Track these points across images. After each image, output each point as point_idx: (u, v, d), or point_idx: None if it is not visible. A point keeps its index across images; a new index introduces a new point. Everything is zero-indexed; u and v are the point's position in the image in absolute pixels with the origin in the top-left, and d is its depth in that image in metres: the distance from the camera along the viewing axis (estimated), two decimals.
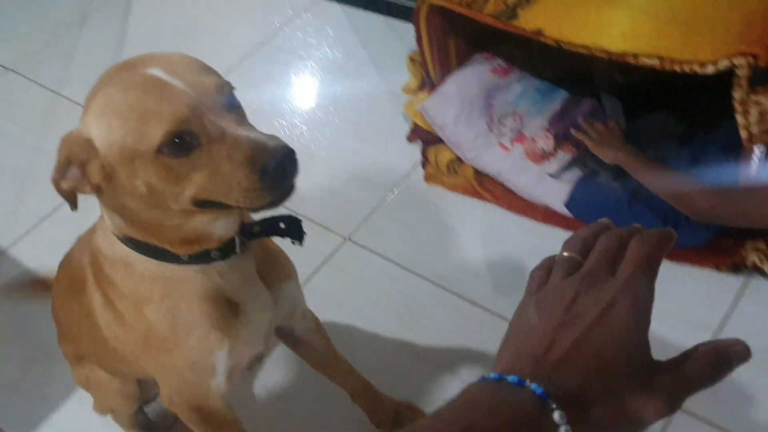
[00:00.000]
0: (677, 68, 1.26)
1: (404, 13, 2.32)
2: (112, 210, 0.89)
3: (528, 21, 1.41)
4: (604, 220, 0.61)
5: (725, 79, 1.24)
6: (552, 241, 1.58)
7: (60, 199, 0.86)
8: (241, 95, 0.86)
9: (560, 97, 1.77)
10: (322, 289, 1.62)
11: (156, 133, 0.76)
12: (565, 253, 0.56)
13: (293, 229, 0.98)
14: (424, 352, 1.50)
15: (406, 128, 1.90)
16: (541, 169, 1.65)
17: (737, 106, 1.22)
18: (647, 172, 1.43)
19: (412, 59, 1.88)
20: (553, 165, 1.65)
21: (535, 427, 0.44)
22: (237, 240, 0.94)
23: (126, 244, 0.91)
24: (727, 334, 1.42)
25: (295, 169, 0.80)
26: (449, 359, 1.48)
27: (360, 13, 2.40)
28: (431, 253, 1.67)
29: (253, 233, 0.97)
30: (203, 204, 0.83)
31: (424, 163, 1.84)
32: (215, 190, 0.80)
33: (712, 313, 1.46)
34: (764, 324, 1.42)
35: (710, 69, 1.22)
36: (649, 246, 0.53)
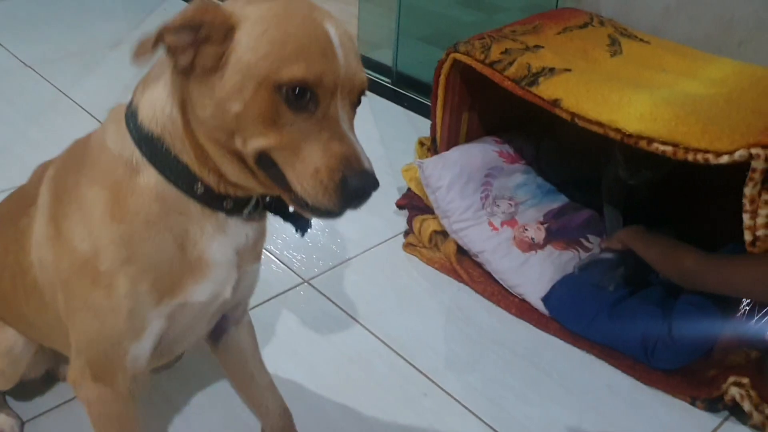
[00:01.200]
0: (690, 157, 1.20)
1: (424, 110, 2.35)
2: (174, 96, 0.77)
3: (548, 90, 1.37)
4: None
5: (733, 180, 1.18)
6: (517, 333, 1.48)
7: None
8: None
9: (560, 200, 1.71)
10: (262, 320, 1.48)
11: (291, 71, 0.70)
12: None
13: (301, 218, 0.89)
14: (356, 408, 1.31)
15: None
16: (526, 259, 1.55)
17: (746, 204, 1.15)
18: (649, 244, 1.39)
19: (421, 143, 1.85)
20: (539, 257, 1.55)
21: None
22: (253, 201, 0.85)
23: (141, 147, 0.80)
24: None
25: (364, 202, 0.74)
26: (381, 421, 1.29)
27: (382, 101, 2.43)
28: (390, 316, 1.53)
29: (266, 202, 0.89)
30: (264, 163, 0.75)
31: (407, 231, 1.75)
32: (290, 159, 0.73)
33: None
34: None
35: (725, 159, 1.16)
36: None
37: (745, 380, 1.27)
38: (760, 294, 1.23)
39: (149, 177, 0.80)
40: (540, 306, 1.51)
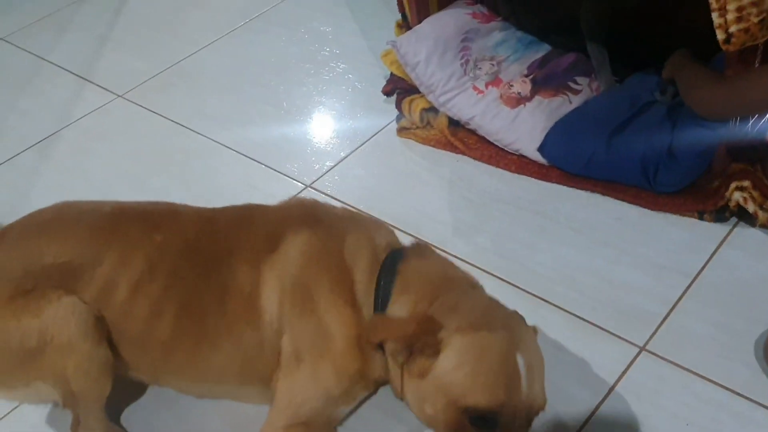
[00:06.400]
0: None
1: None
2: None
3: None
4: None
5: None
6: (519, 189, 1.48)
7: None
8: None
9: (543, 49, 1.68)
10: None
11: (476, 400, 0.84)
12: None
13: None
14: None
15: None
16: (516, 114, 1.54)
17: (713, 2, 1.11)
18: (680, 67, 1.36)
19: (399, 25, 1.82)
20: (528, 109, 1.54)
21: None
22: None
23: None
24: (706, 279, 1.26)
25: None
26: None
27: None
28: (393, 199, 1.55)
29: None
30: None
31: (399, 117, 1.74)
32: None
33: (693, 259, 1.30)
34: (743, 269, 1.25)
35: None
36: None
37: (746, 183, 1.27)
38: None
39: None
40: (538, 157, 1.51)
